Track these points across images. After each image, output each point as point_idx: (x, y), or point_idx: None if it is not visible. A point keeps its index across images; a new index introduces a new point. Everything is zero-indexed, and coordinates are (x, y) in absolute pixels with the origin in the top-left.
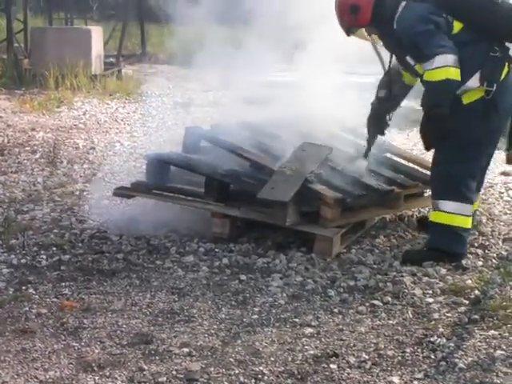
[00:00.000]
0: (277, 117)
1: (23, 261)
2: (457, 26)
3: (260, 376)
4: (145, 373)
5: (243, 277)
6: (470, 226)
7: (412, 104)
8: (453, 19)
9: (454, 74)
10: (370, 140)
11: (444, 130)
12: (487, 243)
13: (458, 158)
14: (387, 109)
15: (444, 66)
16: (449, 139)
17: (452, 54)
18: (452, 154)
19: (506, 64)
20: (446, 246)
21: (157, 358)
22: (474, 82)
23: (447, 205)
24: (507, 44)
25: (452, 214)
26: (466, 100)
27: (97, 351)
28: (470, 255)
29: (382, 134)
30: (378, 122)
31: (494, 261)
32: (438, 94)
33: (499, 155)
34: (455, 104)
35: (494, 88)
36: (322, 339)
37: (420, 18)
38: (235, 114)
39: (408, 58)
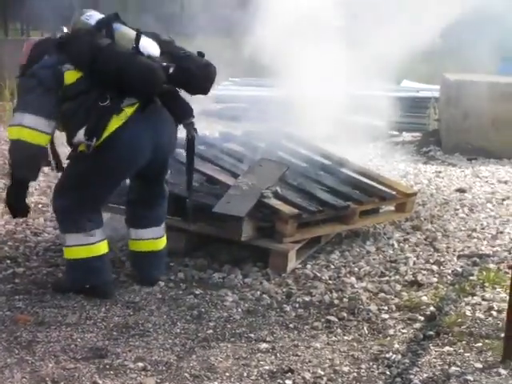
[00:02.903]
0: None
1: None
2: (70, 76)
3: None
4: None
5: (198, 291)
6: (94, 253)
7: (368, 120)
8: (67, 70)
9: (28, 135)
10: None
11: (21, 201)
12: (442, 259)
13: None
14: None
15: (18, 125)
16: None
17: (32, 113)
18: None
19: (117, 115)
20: (78, 281)
21: (111, 372)
22: (80, 136)
23: (69, 238)
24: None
25: (73, 246)
26: (80, 148)
27: (51, 365)
28: (425, 271)
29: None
30: None
31: (449, 277)
32: (13, 155)
33: (453, 171)
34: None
35: (93, 142)
36: (278, 355)
37: (30, 72)
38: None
39: None
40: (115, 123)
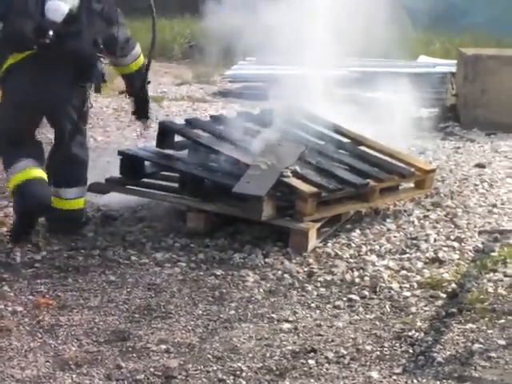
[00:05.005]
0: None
1: None
2: None
3: (238, 372)
4: (122, 370)
5: (219, 272)
6: (27, 177)
7: (386, 96)
8: None
9: None
10: None
11: None
12: (463, 236)
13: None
14: None
15: None
16: None
17: None
18: None
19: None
20: (18, 205)
21: (134, 355)
22: None
23: (8, 174)
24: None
25: (11, 177)
26: None
27: (74, 349)
28: (446, 248)
29: None
30: None
31: (470, 254)
32: None
33: (472, 146)
34: None
35: None
36: (300, 334)
37: None
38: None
39: None
40: (11, 59)
